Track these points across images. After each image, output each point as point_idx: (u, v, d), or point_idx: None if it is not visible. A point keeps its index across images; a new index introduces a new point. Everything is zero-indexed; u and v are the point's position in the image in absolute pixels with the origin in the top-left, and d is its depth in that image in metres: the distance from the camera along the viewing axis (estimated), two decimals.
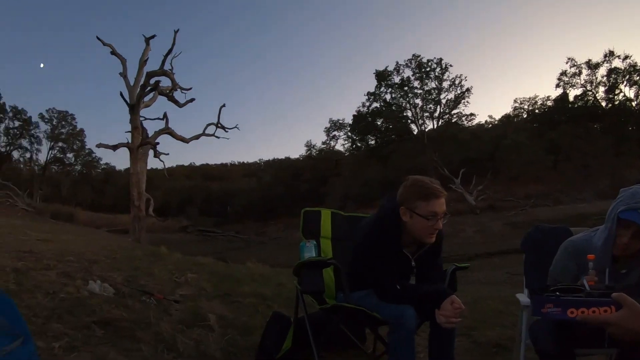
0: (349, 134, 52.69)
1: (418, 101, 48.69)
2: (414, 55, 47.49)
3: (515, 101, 53.33)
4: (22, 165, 51.81)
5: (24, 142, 49.95)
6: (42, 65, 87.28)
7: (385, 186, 38.01)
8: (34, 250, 7.09)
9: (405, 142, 48.74)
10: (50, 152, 50.51)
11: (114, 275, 5.86)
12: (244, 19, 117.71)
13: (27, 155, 50.82)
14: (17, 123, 49.48)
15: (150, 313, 4.01)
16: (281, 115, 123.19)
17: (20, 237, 9.38)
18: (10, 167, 47.72)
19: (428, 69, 46.89)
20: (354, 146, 53.52)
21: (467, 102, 48.53)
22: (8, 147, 49.35)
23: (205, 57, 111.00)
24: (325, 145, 54.64)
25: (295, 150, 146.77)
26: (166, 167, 24.92)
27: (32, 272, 5.12)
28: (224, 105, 24.96)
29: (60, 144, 50.90)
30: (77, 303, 4.02)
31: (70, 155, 52.71)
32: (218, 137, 24.90)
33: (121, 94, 20.94)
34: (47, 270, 5.40)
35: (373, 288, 2.66)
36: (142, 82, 21.17)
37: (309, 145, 55.12)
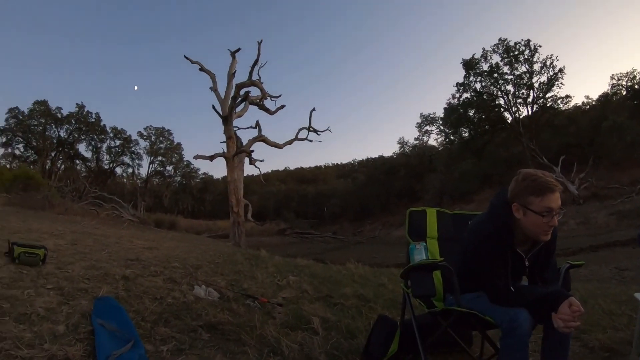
0: (441, 127, 51.20)
1: (509, 87, 45.69)
2: (500, 39, 44.91)
3: (612, 77, 47.09)
4: (125, 180, 55.71)
5: (126, 159, 53.74)
6: (135, 87, 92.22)
7: (482, 179, 36.87)
8: (141, 258, 7.34)
9: (499, 132, 46.36)
10: (151, 166, 53.62)
11: (217, 279, 6.00)
12: (328, 22, 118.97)
13: (130, 170, 54.43)
14: (117, 142, 53.32)
15: (254, 316, 4.03)
16: (372, 114, 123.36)
17: (127, 246, 9.77)
18: (115, 182, 51.42)
19: (516, 52, 44.06)
20: (447, 140, 51.27)
21: (561, 83, 44.63)
22: (111, 164, 53.10)
23: (292, 63, 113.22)
24: (417, 141, 53.82)
25: (389, 148, 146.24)
26: (262, 173, 25.43)
27: (139, 279, 5.30)
28: (314, 109, 25.24)
29: (159, 158, 53.79)
30: (184, 307, 4.13)
31: (169, 167, 55.61)
32: (311, 141, 25.26)
33: (213, 107, 21.66)
34: (153, 277, 5.57)
35: (485, 290, 2.50)
36: (232, 94, 21.84)
37: (402, 142, 54.60)
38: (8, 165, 43.83)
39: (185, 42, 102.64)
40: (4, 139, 49.37)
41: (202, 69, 24.08)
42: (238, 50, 23.61)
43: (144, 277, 5.49)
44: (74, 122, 51.52)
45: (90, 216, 22.15)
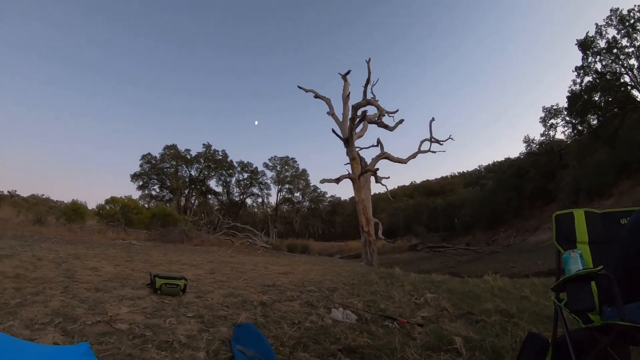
0: (567, 118, 46.15)
1: (632, 61, 40.10)
2: (611, 10, 40.24)
3: None
4: (255, 209, 57.96)
5: (255, 190, 56.04)
6: (256, 122, 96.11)
7: (618, 169, 33.76)
8: (277, 284, 7.56)
9: (630, 113, 40.82)
10: (279, 194, 55.30)
11: (354, 301, 5.97)
12: (435, 29, 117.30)
13: (259, 200, 56.60)
14: (245, 175, 55.60)
15: (394, 338, 3.88)
16: (493, 116, 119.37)
17: (262, 272, 10.05)
18: (246, 212, 53.96)
19: (632, 21, 38.92)
20: (575, 131, 46.34)
21: None
22: (241, 196, 55.70)
23: (404, 76, 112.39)
24: (544, 137, 49.86)
25: (514, 149, 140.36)
26: (388, 189, 25.30)
27: (277, 304, 5.41)
28: (433, 119, 24.87)
29: (286, 185, 55.34)
30: (322, 331, 4.10)
31: (297, 194, 56.99)
32: (434, 152, 24.86)
33: (333, 131, 21.97)
34: (290, 302, 5.66)
35: None
36: (350, 115, 21.93)
37: (528, 141, 51.04)
38: (146, 205, 47.05)
39: (296, 72, 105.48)
40: (141, 182, 53.64)
41: (317, 96, 24.59)
42: (348, 72, 23.92)
43: (281, 302, 5.59)
44: (202, 161, 55.03)
45: (226, 246, 23.07)
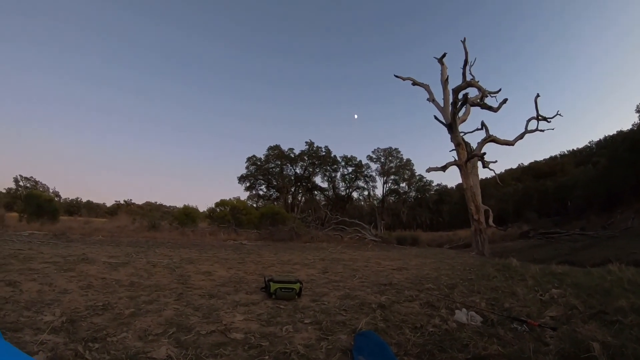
0: None
1: None
2: None
3: None
4: (362, 203, 57.82)
5: (360, 183, 55.93)
6: (355, 116, 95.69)
7: None
8: (393, 282, 7.48)
9: None
10: (385, 185, 54.94)
11: (475, 299, 5.78)
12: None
13: (365, 193, 56.53)
14: (350, 169, 55.76)
15: (525, 344, 3.68)
16: (600, 85, 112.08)
17: (376, 268, 10.01)
18: (352, 206, 54.02)
19: None
20: None
21: None
22: (347, 190, 55.94)
23: (503, 53, 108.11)
24: None
25: (627, 120, 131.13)
26: (496, 174, 24.31)
27: (395, 306, 5.31)
28: (538, 95, 23.59)
29: (392, 177, 54.92)
30: (446, 337, 3.92)
31: (403, 184, 56.31)
32: (542, 130, 23.44)
33: (435, 117, 21.47)
34: (410, 302, 5.56)
35: None
36: (451, 100, 21.32)
37: None
38: (255, 205, 48.50)
39: (389, 61, 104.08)
40: (248, 184, 55.63)
41: (415, 83, 24.13)
42: (444, 55, 23.13)
43: (400, 303, 5.48)
44: (306, 159, 55.99)
45: (335, 241, 23.30)
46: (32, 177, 61.85)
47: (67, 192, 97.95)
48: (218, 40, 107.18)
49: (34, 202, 28.40)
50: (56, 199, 59.80)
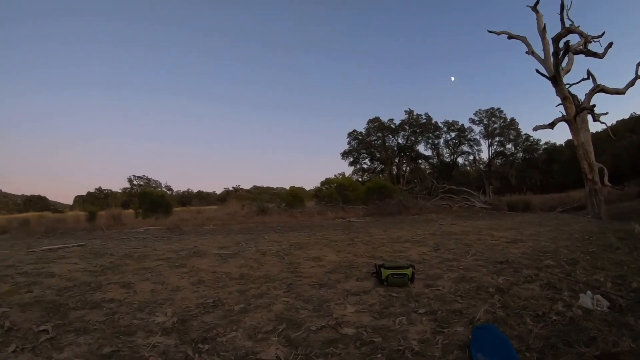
0: None
1: None
2: None
3: None
4: (468, 168, 56.20)
5: (464, 148, 54.26)
6: (452, 78, 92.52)
7: None
8: (509, 258, 7.15)
9: None
10: (490, 148, 53.03)
11: (599, 277, 5.39)
12: None
13: (470, 157, 54.84)
14: (452, 134, 54.37)
15: None
16: None
17: (489, 241, 9.68)
18: (459, 172, 52.56)
19: None
20: None
21: None
22: (452, 156, 54.61)
23: None
24: None
25: None
26: (608, 126, 22.57)
27: (514, 289, 5.01)
28: None
29: (497, 138, 52.93)
30: (572, 327, 3.56)
31: (509, 145, 54.08)
32: None
33: (537, 71, 20.24)
34: (529, 284, 5.25)
35: None
36: (551, 50, 19.98)
37: None
38: (360, 179, 48.63)
39: (482, 17, 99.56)
40: (351, 159, 55.50)
41: (510, 37, 22.92)
42: (538, 2, 21.63)
43: (519, 285, 5.19)
44: (407, 128, 54.85)
45: (444, 212, 22.92)
46: (144, 175, 66.02)
47: (179, 185, 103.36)
48: (313, 22, 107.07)
49: (147, 199, 30.09)
50: (168, 193, 63.57)
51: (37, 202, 71.84)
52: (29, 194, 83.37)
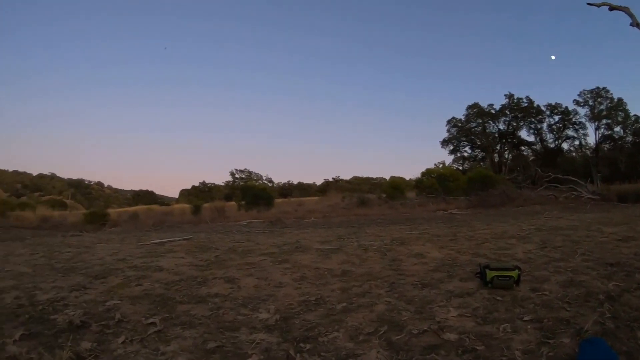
0: None
1: None
2: None
3: None
4: (574, 154, 53.11)
5: (569, 132, 51.27)
6: (552, 57, 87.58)
7: None
8: (621, 260, 6.56)
9: None
10: (597, 132, 49.91)
11: None
12: None
13: (576, 142, 51.72)
14: (556, 118, 51.57)
15: None
16: None
17: (598, 239, 9.08)
18: (564, 159, 49.54)
19: None
20: None
21: None
22: (556, 142, 51.77)
23: None
24: None
25: None
26: None
27: (626, 296, 4.48)
28: None
29: (604, 121, 49.75)
30: None
31: (617, 128, 50.57)
32: None
33: None
34: None
35: None
36: None
37: None
38: (460, 168, 47.74)
39: None
40: (451, 147, 54.09)
41: (612, 8, 21.69)
42: None
43: (631, 292, 4.64)
44: (508, 113, 52.60)
45: (549, 203, 22.19)
46: (245, 168, 66.97)
47: (280, 177, 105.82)
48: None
49: (250, 193, 31.17)
50: (269, 185, 65.10)
51: (145, 197, 74.52)
52: (137, 189, 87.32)
